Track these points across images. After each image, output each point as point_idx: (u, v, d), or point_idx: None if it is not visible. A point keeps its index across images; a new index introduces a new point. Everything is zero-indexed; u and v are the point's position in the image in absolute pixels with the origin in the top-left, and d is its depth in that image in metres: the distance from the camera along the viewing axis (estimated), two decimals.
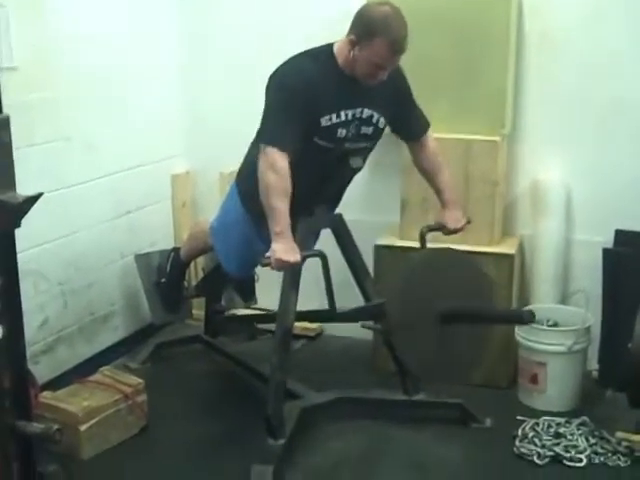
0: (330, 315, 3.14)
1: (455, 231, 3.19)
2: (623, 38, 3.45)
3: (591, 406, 3.36)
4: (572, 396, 3.40)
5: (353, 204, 3.39)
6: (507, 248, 3.56)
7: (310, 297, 3.14)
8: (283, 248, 2.79)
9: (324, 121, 2.92)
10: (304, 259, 2.87)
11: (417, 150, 3.23)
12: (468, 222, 3.21)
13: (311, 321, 3.94)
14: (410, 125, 3.19)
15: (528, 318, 2.94)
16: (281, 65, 2.93)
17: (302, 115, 2.85)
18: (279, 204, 2.80)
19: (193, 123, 4.22)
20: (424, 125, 3.21)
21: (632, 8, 3.43)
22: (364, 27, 2.85)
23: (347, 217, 3.22)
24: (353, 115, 2.97)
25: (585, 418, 3.19)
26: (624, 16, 3.44)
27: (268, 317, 3.59)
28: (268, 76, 2.92)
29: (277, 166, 2.80)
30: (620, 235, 3.46)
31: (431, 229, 3.16)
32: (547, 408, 3.34)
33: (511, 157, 3.68)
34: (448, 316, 2.94)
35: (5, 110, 2.57)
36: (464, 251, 3.18)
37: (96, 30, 3.57)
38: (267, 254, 2.86)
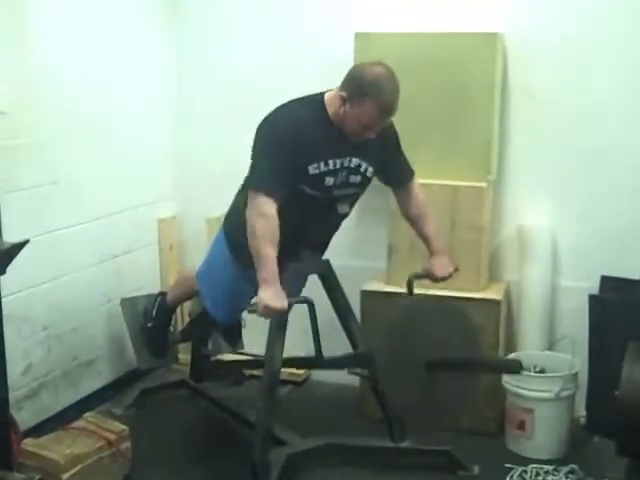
0: (317, 362, 3.11)
1: (443, 279, 3.18)
2: (607, 88, 3.50)
3: (579, 453, 3.34)
4: (560, 443, 3.38)
5: (340, 250, 3.40)
6: (494, 294, 3.57)
7: (297, 343, 3.14)
8: (270, 295, 2.78)
9: (312, 169, 2.93)
10: (290, 306, 2.86)
11: (403, 197, 3.26)
12: (456, 270, 3.20)
13: (298, 368, 3.91)
14: (395, 172, 3.21)
15: (515, 367, 2.93)
16: (272, 112, 2.95)
17: (290, 163, 2.86)
18: (267, 250, 2.80)
19: (180, 168, 4.24)
20: (409, 172, 3.23)
21: (615, 59, 3.49)
22: (355, 87, 2.87)
23: (334, 262, 3.23)
24: (341, 164, 2.99)
25: (573, 466, 3.17)
26: (607, 67, 3.50)
27: (254, 363, 3.57)
28: (259, 122, 2.94)
29: (266, 213, 2.81)
30: (606, 281, 3.46)
31: (418, 276, 3.17)
32: (535, 455, 3.32)
33: (497, 203, 3.71)
34: (435, 364, 2.94)
35: None
36: (450, 297, 3.18)
37: (83, 75, 3.59)
38: (253, 301, 2.84)
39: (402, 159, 3.21)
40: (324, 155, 2.94)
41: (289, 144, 2.86)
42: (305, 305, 2.92)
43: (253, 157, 2.93)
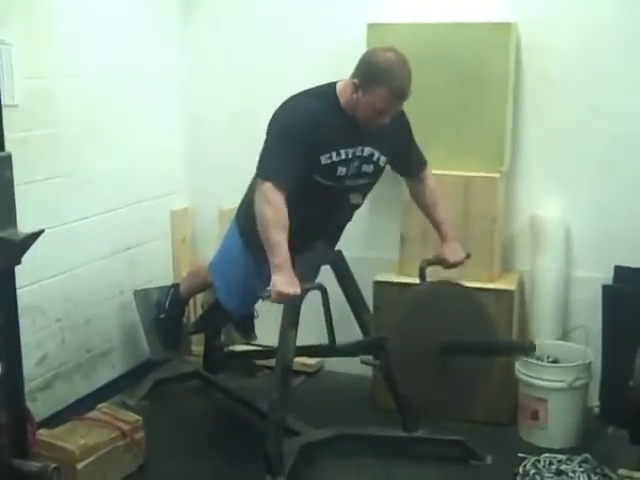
0: (330, 350, 3.10)
1: (455, 265, 3.18)
2: (621, 76, 3.49)
3: (593, 443, 3.34)
4: (573, 433, 3.38)
5: (353, 241, 3.40)
6: (507, 284, 3.56)
7: (310, 331, 3.13)
8: (283, 280, 2.80)
9: (324, 159, 2.94)
10: (304, 292, 2.87)
11: (416, 186, 3.26)
12: (467, 256, 3.20)
13: (311, 356, 3.90)
14: (409, 162, 3.22)
15: (529, 349, 2.92)
16: (284, 102, 2.96)
17: (302, 153, 2.87)
18: (278, 237, 2.81)
19: (193, 160, 4.24)
20: (423, 162, 3.24)
21: (630, 47, 3.46)
22: (368, 73, 2.88)
23: (346, 253, 3.23)
24: (353, 154, 2.99)
25: (587, 455, 3.16)
26: (622, 54, 3.47)
27: (267, 353, 3.57)
28: (271, 113, 2.94)
29: (273, 201, 2.82)
30: (619, 271, 3.46)
31: (430, 263, 3.15)
32: (548, 445, 3.32)
33: (510, 194, 3.70)
34: (449, 348, 2.91)
35: (6, 147, 2.59)
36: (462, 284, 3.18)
37: (96, 67, 3.59)
38: (267, 287, 2.85)
39: (415, 149, 3.21)
40: (336, 145, 2.94)
41: (300, 135, 2.87)
42: (317, 293, 2.92)
43: (265, 146, 2.94)
